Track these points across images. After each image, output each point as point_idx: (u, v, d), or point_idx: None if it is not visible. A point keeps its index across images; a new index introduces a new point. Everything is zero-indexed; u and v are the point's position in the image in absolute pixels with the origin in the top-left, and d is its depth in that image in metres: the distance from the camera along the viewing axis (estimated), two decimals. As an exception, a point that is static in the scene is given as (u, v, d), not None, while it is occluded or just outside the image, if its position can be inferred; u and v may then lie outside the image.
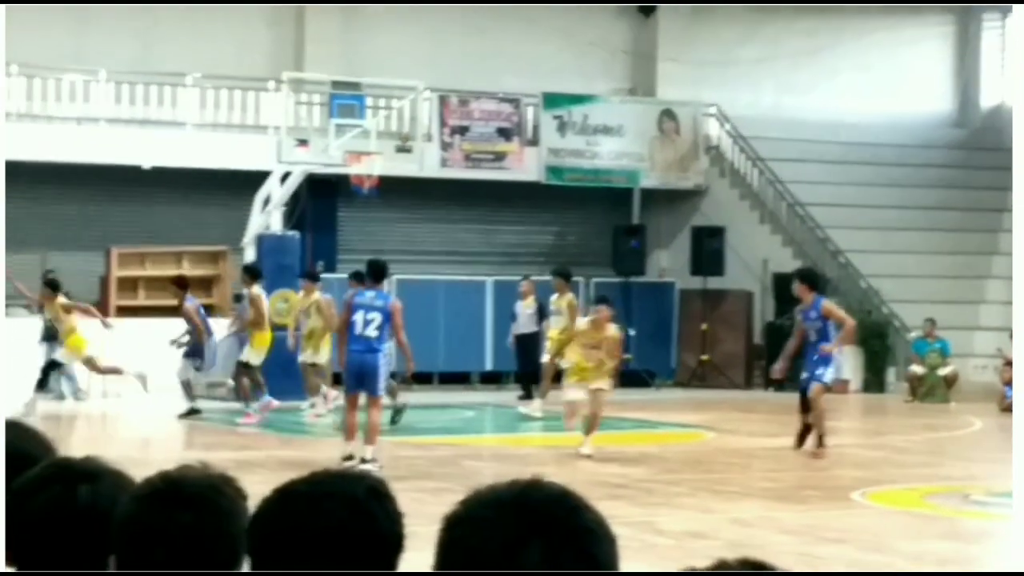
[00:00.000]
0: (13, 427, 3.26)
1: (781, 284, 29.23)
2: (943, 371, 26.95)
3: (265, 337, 20.78)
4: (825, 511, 13.26)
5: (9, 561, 2.84)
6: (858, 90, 33.13)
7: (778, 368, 18.66)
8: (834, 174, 31.23)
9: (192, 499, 2.58)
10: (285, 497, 2.36)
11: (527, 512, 1.96)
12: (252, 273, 21.27)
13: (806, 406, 17.63)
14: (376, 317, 15.31)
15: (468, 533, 1.97)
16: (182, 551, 2.55)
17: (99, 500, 2.75)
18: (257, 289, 21.00)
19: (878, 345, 28.34)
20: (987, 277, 30.99)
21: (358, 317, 15.28)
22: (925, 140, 33.50)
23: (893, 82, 33.67)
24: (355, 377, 15.26)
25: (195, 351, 21.26)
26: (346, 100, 25.72)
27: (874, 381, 28.23)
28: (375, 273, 16.14)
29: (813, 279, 18.72)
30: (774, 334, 28.95)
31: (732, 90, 31.13)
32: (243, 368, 20.78)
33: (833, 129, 31.77)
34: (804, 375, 17.77)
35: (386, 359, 16.08)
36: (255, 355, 20.76)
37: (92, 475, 2.81)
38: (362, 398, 15.31)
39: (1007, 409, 25.12)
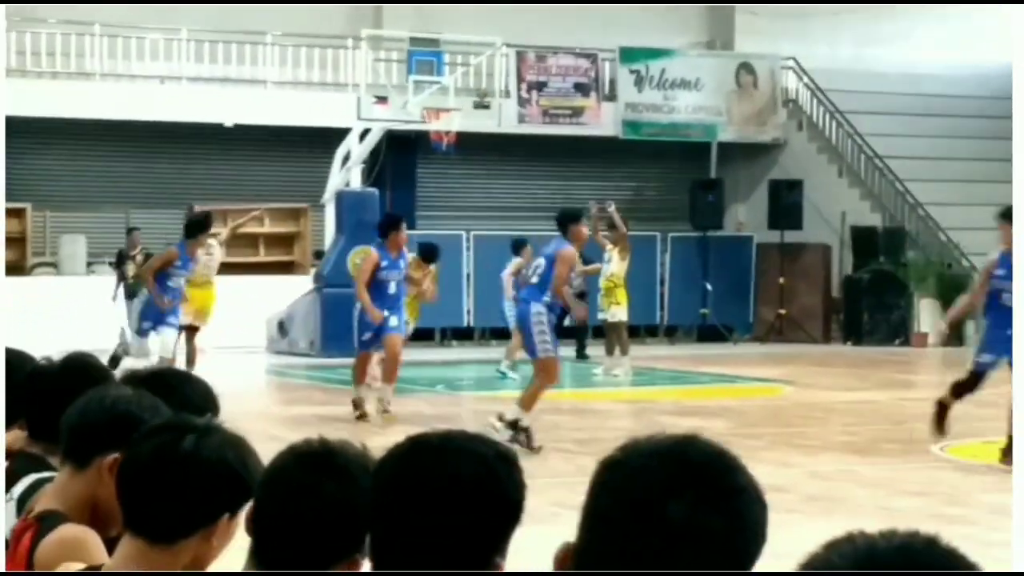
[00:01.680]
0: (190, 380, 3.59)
1: (859, 237, 29.16)
2: None
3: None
4: (904, 464, 13.24)
5: (120, 499, 2.96)
6: (937, 41, 32.76)
7: (942, 327, 16.90)
8: (913, 126, 30.98)
9: (341, 470, 2.70)
10: (416, 446, 2.40)
11: (683, 464, 1.97)
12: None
13: (965, 389, 13.75)
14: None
15: (622, 478, 1.99)
16: (316, 513, 2.67)
17: (202, 450, 2.86)
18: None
19: (957, 298, 28.09)
20: None
21: None
22: (1005, 91, 33.02)
23: (972, 33, 33.27)
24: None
25: None
26: (424, 57, 25.80)
27: (954, 334, 27.94)
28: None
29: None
30: (852, 288, 28.87)
31: (810, 43, 30.89)
32: None
33: (912, 81, 31.49)
34: (987, 355, 13.62)
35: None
36: None
37: (201, 429, 2.92)
38: None
39: None
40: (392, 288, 15.43)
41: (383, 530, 2.36)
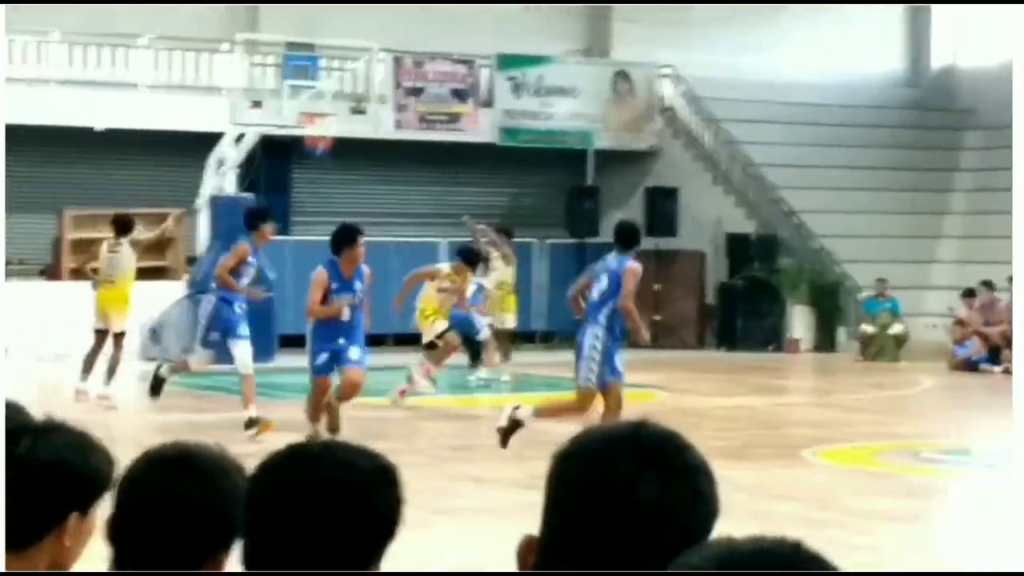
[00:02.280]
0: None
1: (733, 244, 29.44)
2: (893, 330, 27.14)
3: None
4: (777, 469, 13.38)
5: None
6: (811, 51, 33.21)
7: None
8: (787, 135, 31.34)
9: (197, 472, 2.67)
10: (294, 454, 2.39)
11: (640, 449, 2.02)
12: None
13: None
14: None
15: (582, 468, 2.02)
16: (175, 517, 2.63)
17: (38, 452, 2.80)
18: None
19: (829, 304, 28.52)
20: (938, 237, 31.22)
21: None
22: (877, 100, 33.64)
23: (846, 43, 33.77)
24: None
25: None
26: (300, 61, 25.65)
27: (825, 340, 28.41)
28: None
29: None
30: (726, 294, 29.16)
31: (686, 51, 31.11)
32: None
33: (787, 90, 31.86)
34: None
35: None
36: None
37: (37, 430, 2.86)
38: None
39: (956, 368, 25.40)
40: (346, 313, 13.79)
41: (257, 537, 2.34)
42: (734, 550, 1.65)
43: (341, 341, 13.85)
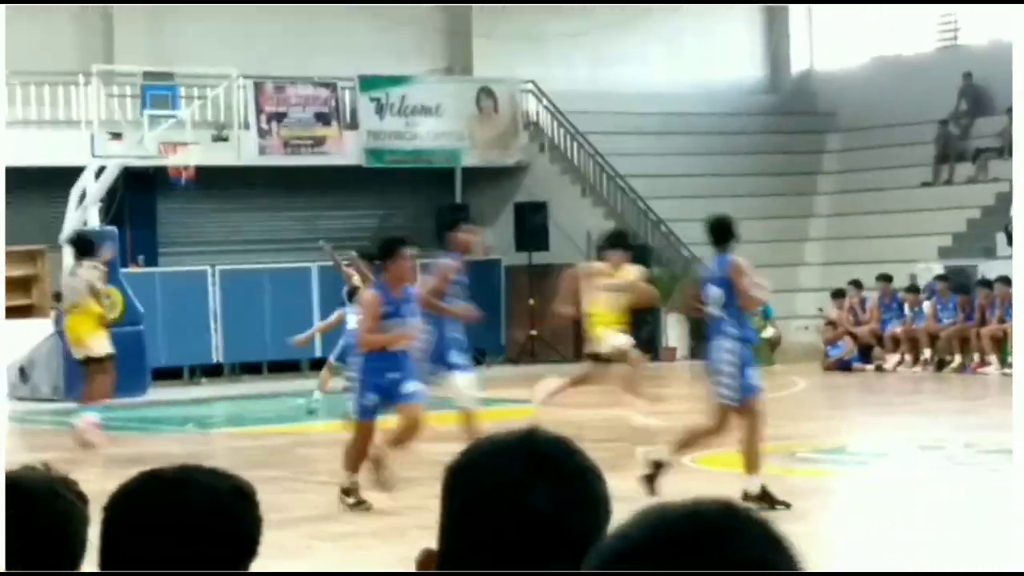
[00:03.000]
0: None
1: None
2: (766, 334, 27.36)
3: None
4: (657, 477, 13.41)
5: None
6: (671, 60, 33.51)
7: None
8: (652, 145, 31.61)
9: (26, 499, 2.58)
10: (150, 479, 2.39)
11: (531, 456, 2.06)
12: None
13: None
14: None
15: (476, 478, 2.06)
16: (15, 553, 2.55)
17: None
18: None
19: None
20: (804, 240, 31.63)
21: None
22: (738, 107, 34.04)
23: (705, 51, 34.13)
24: None
25: None
26: (159, 91, 25.43)
27: (699, 348, 28.49)
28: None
29: None
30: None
31: (547, 65, 31.28)
32: None
33: (649, 100, 32.12)
34: None
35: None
36: None
37: None
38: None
39: (829, 368, 25.76)
40: (407, 340, 12.02)
41: (114, 562, 2.33)
42: (665, 514, 1.66)
43: (393, 375, 11.90)
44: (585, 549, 1.96)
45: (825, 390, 23.46)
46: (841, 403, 21.35)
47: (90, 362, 16.92)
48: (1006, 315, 23.14)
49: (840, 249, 30.34)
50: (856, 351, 25.87)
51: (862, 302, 26.42)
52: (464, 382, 13.70)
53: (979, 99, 31.88)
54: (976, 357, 24.35)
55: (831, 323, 26.50)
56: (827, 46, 35.56)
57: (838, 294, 26.74)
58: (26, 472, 2.66)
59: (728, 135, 32.75)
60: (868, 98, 33.58)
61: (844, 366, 25.56)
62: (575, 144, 31.06)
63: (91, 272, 17.18)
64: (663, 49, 33.50)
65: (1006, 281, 23.30)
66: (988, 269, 26.04)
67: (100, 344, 16.88)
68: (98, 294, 17.11)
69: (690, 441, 12.33)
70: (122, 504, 2.34)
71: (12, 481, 2.62)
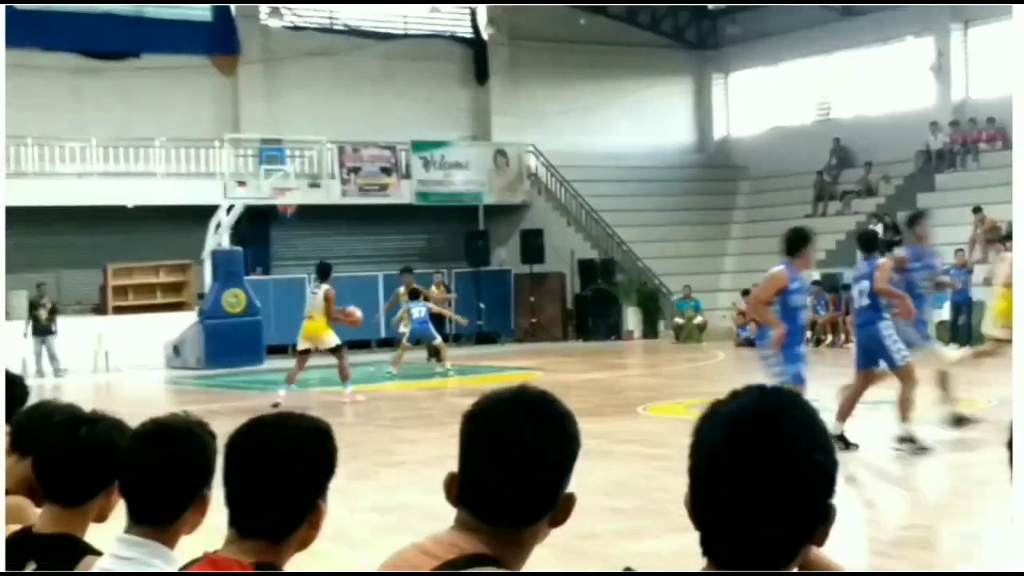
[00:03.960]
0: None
1: (583, 267, 29.56)
2: (697, 321, 27.37)
3: None
4: (619, 421, 13.38)
5: (37, 484, 2.81)
6: (630, 130, 33.44)
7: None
8: (617, 189, 31.55)
9: (171, 437, 2.56)
10: (256, 422, 2.34)
11: (521, 405, 2.06)
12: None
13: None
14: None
15: (483, 420, 2.05)
16: (164, 475, 2.53)
17: (94, 436, 2.74)
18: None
19: (652, 306, 28.68)
20: (723, 255, 31.54)
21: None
22: (676, 162, 34.00)
23: (653, 123, 34.11)
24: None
25: None
26: (272, 151, 25.44)
27: (650, 331, 28.58)
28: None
29: None
30: (580, 302, 29.23)
31: (545, 133, 31.23)
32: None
33: (616, 158, 32.08)
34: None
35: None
36: None
37: (92, 420, 2.80)
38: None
39: (739, 345, 25.66)
40: (802, 318, 10.04)
41: (232, 482, 2.29)
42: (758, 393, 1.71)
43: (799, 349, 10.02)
44: (561, 473, 2.01)
45: (738, 360, 23.41)
46: (748, 369, 21.25)
47: (333, 350, 15.83)
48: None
49: (749, 262, 30.23)
50: (757, 332, 25.69)
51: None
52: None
53: (844, 156, 31.77)
54: (843, 336, 24.29)
55: (741, 313, 26.43)
56: (739, 119, 35.51)
57: (746, 292, 26.57)
58: (172, 417, 2.64)
59: (669, 182, 32.69)
60: (768, 156, 33.52)
61: (750, 343, 25.44)
62: (563, 189, 31.01)
63: (327, 291, 16.04)
64: (625, 122, 33.46)
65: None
66: (850, 275, 25.80)
67: (331, 338, 15.97)
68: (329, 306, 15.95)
69: (906, 408, 10.25)
70: (237, 440, 2.31)
71: (162, 423, 2.60)
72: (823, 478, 1.66)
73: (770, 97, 33.99)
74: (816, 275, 26.83)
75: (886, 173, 29.83)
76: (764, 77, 34.02)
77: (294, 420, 2.34)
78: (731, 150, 35.22)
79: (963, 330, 22.44)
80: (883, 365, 10.40)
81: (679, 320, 27.33)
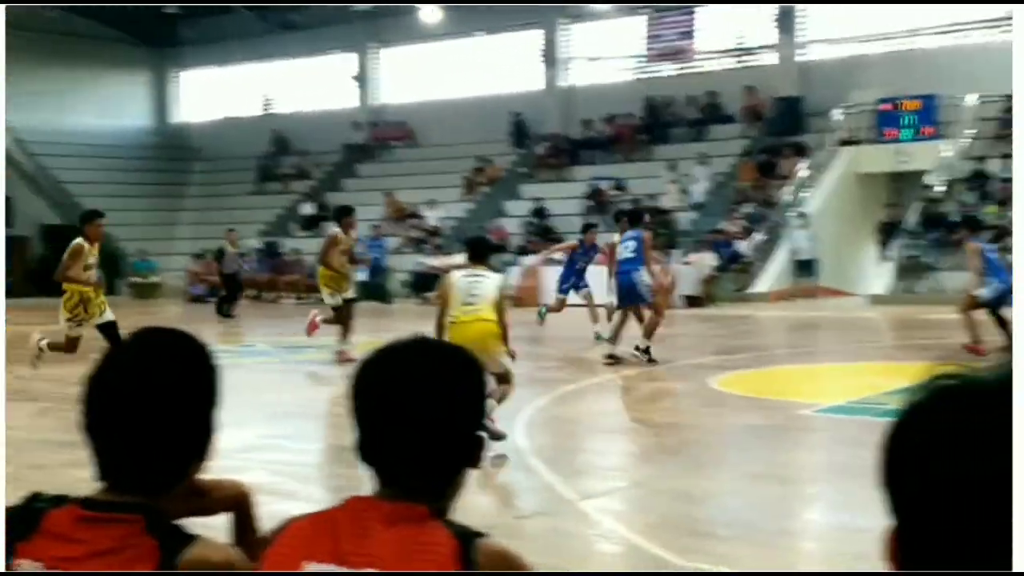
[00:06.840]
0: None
1: (48, 231, 29.61)
2: (154, 279, 28.84)
3: None
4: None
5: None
6: (95, 113, 34.81)
7: None
8: (84, 164, 32.91)
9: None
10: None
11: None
12: None
13: None
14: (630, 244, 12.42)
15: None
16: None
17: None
18: None
19: (112, 267, 25.47)
20: (176, 224, 33.59)
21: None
22: (136, 143, 35.98)
23: (115, 108, 35.69)
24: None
25: None
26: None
27: (109, 288, 27.03)
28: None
29: None
30: (44, 262, 28.02)
31: (21, 112, 30.42)
32: None
33: (82, 136, 33.49)
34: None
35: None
36: None
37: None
38: None
39: (191, 301, 25.90)
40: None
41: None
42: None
43: None
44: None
45: (191, 312, 22.72)
46: (196, 318, 20.29)
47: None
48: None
49: (202, 230, 31.37)
50: (208, 289, 25.30)
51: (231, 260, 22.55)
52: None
53: (283, 145, 34.73)
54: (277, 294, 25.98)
55: (195, 273, 27.57)
56: (195, 109, 37.54)
57: (199, 256, 28.01)
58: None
59: (131, 159, 34.66)
60: (219, 141, 36.07)
61: (200, 299, 25.78)
62: (32, 161, 31.62)
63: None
64: (92, 106, 34.57)
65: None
66: (284, 244, 28.36)
67: None
68: None
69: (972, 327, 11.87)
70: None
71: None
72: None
73: (222, 91, 36.64)
74: (259, 244, 29.45)
75: (317, 161, 33.51)
76: (218, 74, 36.77)
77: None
78: (188, 135, 37.35)
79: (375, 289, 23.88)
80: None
81: (138, 280, 28.41)
